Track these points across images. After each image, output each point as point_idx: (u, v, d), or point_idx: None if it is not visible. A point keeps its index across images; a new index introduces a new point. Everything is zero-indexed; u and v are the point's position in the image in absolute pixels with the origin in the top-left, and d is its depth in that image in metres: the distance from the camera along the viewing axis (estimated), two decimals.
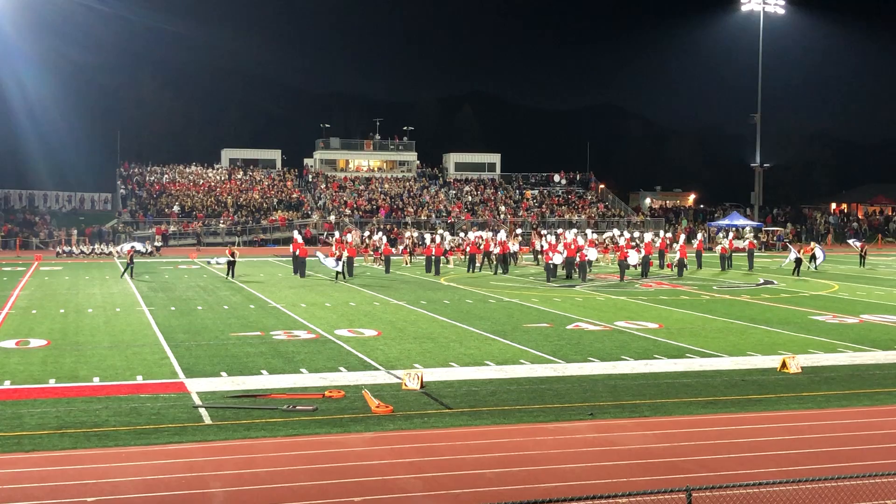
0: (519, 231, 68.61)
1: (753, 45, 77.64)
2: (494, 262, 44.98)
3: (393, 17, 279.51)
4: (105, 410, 15.14)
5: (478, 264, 45.47)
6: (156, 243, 61.55)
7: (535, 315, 27.97)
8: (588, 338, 23.39)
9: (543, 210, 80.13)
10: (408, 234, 58.45)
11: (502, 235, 48.37)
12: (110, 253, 57.42)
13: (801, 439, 14.02)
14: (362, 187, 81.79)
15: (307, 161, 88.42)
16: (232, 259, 40.24)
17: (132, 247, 44.16)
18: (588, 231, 55.15)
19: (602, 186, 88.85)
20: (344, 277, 39.09)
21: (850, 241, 53.60)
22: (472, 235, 50.84)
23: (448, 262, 48.64)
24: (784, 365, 19.04)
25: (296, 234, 46.02)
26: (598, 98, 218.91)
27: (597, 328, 25.10)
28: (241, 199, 75.99)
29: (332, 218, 73.37)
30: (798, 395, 16.81)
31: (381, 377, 18.14)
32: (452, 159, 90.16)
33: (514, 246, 49.43)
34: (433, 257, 44.06)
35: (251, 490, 11.37)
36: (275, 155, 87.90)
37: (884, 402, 16.49)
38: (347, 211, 75.68)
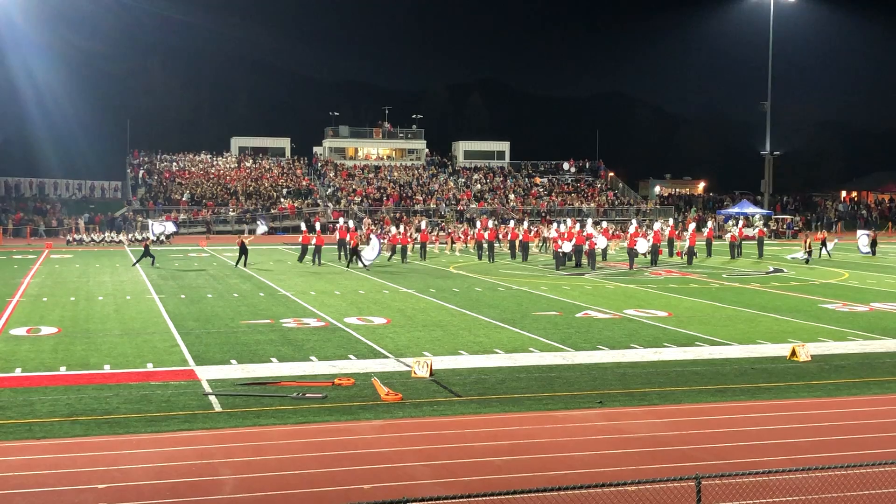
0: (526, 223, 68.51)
1: (764, 32, 77.26)
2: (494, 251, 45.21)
3: (402, 4, 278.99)
4: (116, 398, 15.20)
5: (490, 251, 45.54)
6: (166, 231, 61.69)
7: (544, 303, 27.96)
8: (597, 326, 23.38)
9: (553, 198, 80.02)
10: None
11: (511, 224, 48.42)
12: (120, 241, 57.59)
13: (810, 427, 14.00)
14: (371, 175, 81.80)
15: (316, 149, 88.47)
16: (244, 246, 40.28)
17: (145, 237, 44.24)
18: (600, 221, 55.15)
19: (611, 174, 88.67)
20: (354, 264, 39.15)
21: (860, 235, 53.51)
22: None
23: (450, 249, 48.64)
24: (794, 353, 19.00)
25: (304, 226, 46.15)
26: (607, 86, 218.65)
27: (606, 316, 25.08)
28: (251, 188, 76.06)
29: (342, 206, 73.42)
30: (808, 384, 16.78)
31: (390, 365, 18.16)
32: (461, 147, 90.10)
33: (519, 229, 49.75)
34: (483, 242, 44.84)
35: (261, 477, 11.42)
36: (284, 143, 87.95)
37: (894, 390, 16.45)
38: (357, 199, 75.69)
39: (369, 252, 40.05)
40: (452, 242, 51.82)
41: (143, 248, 41.33)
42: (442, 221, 67.72)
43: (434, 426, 13.79)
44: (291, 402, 15.02)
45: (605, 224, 51.35)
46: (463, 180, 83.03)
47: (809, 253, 43.93)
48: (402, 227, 50.81)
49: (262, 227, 40.69)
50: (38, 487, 10.99)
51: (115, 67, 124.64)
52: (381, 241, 43.41)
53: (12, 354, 18.96)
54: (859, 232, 48.80)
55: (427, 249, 46.13)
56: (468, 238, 51.34)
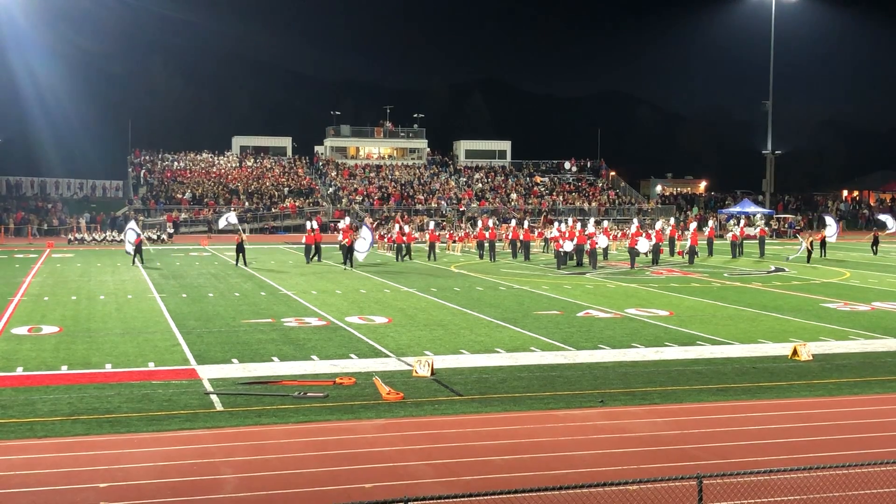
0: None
1: (765, 30, 77.21)
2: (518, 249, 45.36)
3: (404, 3, 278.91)
4: (117, 397, 15.20)
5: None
6: (168, 230, 61.73)
7: (545, 302, 27.95)
8: (598, 325, 23.37)
9: (554, 198, 80.00)
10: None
11: (513, 223, 48.45)
12: (122, 240, 57.59)
13: (812, 427, 13.99)
14: (373, 175, 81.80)
15: (318, 148, 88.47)
16: (241, 245, 40.29)
17: (138, 234, 44.20)
18: (601, 220, 55.16)
19: (613, 174, 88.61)
20: (350, 265, 39.29)
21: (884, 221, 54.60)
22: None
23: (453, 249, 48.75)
24: (795, 352, 18.99)
25: (308, 224, 46.25)
26: (608, 85, 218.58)
27: (607, 315, 25.08)
28: (252, 187, 76.07)
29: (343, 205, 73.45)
30: (809, 383, 16.77)
31: (391, 364, 18.16)
32: (463, 146, 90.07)
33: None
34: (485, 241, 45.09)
35: (262, 476, 11.42)
36: (285, 142, 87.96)
37: (895, 389, 16.44)
38: (358, 198, 75.70)
39: (361, 244, 40.15)
40: (454, 242, 51.87)
41: (135, 246, 41.33)
42: (443, 221, 67.72)
43: (435, 425, 13.79)
44: (293, 401, 15.02)
45: (605, 223, 51.37)
46: (464, 179, 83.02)
47: (810, 252, 43.89)
48: (398, 227, 50.84)
49: (230, 219, 41.53)
50: (40, 486, 11.00)
51: (116, 67, 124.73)
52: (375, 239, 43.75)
53: (14, 353, 18.97)
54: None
55: (436, 249, 46.00)
56: (469, 238, 51.40)
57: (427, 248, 45.84)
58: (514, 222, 48.59)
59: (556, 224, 48.87)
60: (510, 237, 46.39)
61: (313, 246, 42.29)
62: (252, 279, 34.53)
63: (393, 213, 70.91)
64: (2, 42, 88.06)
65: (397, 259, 43.80)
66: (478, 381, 16.60)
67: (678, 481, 9.34)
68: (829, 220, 48.82)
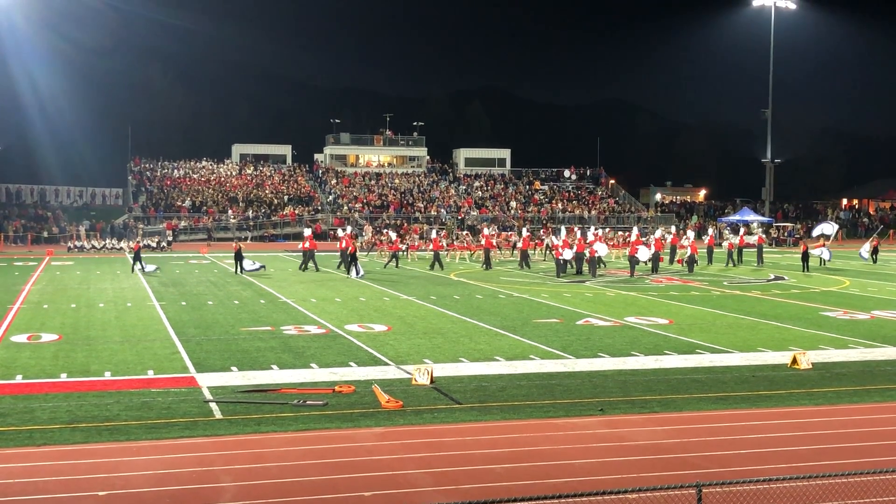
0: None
1: (765, 39, 77.43)
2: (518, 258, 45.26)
3: (403, 11, 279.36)
4: (116, 405, 15.19)
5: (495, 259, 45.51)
6: (167, 238, 61.74)
7: (545, 311, 27.95)
8: (598, 333, 23.36)
9: (554, 206, 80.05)
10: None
11: (524, 232, 48.43)
12: (122, 248, 57.61)
13: (811, 435, 13.98)
14: (372, 183, 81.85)
15: (317, 156, 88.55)
16: (239, 253, 40.37)
17: (138, 241, 44.23)
18: (599, 228, 55.12)
19: (612, 182, 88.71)
20: (354, 272, 39.20)
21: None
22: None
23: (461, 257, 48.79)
24: (794, 361, 18.99)
25: (306, 231, 46.30)
26: (608, 93, 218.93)
27: (607, 324, 25.07)
28: (252, 195, 76.09)
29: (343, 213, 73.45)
30: (809, 392, 16.76)
31: (391, 372, 18.15)
32: (462, 154, 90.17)
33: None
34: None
35: (262, 484, 11.41)
36: (285, 150, 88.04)
37: (895, 398, 16.43)
38: (358, 206, 75.73)
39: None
40: (454, 251, 51.86)
41: (134, 252, 41.39)
42: (443, 230, 67.80)
43: (435, 433, 13.78)
44: (292, 409, 15.01)
45: (599, 231, 51.22)
46: (464, 187, 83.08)
47: (807, 261, 43.77)
48: (392, 234, 50.88)
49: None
50: (39, 494, 10.98)
51: (116, 74, 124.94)
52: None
53: (13, 361, 18.95)
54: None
55: (441, 258, 45.91)
56: (473, 247, 51.43)
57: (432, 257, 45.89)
58: (525, 231, 48.31)
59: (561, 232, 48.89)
60: (521, 247, 45.65)
61: (307, 253, 42.44)
62: (251, 287, 34.52)
63: (395, 221, 70.96)
64: (2, 49, 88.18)
65: (386, 266, 43.93)
66: (477, 390, 16.59)
67: (678, 490, 9.34)
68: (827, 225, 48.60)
